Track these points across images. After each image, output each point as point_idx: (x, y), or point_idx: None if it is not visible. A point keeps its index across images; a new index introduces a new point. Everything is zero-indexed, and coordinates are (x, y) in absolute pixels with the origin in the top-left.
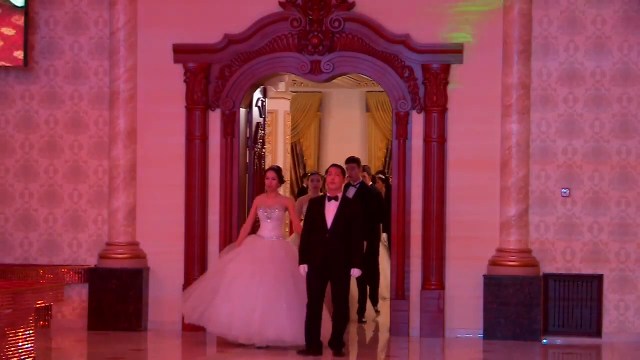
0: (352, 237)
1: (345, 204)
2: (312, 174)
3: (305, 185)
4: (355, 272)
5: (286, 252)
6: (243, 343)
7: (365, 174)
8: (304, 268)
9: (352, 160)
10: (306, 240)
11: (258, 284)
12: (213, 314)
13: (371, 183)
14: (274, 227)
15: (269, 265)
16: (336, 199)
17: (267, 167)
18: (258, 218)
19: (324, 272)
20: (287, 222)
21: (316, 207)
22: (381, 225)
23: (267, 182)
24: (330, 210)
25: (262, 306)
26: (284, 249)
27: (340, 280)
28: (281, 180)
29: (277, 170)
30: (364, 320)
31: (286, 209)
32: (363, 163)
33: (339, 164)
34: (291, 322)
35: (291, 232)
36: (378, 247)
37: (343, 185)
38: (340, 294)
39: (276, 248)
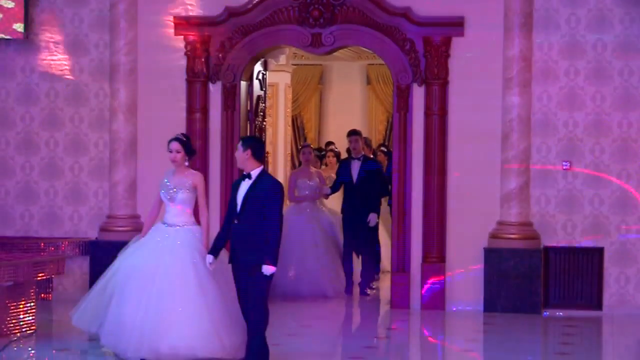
0: (266, 224)
1: (259, 183)
2: (304, 146)
3: None
4: (266, 269)
5: (192, 243)
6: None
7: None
8: (209, 258)
9: (353, 133)
10: (224, 228)
11: (152, 284)
12: (106, 324)
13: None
14: (179, 212)
15: (168, 260)
16: (249, 176)
17: (266, 140)
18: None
19: (239, 266)
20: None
21: (235, 188)
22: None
23: (170, 155)
24: (241, 190)
25: (154, 311)
26: (190, 240)
27: (253, 278)
28: (189, 152)
29: (182, 140)
30: (367, 292)
31: (195, 188)
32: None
33: (250, 136)
34: (193, 329)
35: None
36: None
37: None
38: (253, 295)
39: (181, 237)
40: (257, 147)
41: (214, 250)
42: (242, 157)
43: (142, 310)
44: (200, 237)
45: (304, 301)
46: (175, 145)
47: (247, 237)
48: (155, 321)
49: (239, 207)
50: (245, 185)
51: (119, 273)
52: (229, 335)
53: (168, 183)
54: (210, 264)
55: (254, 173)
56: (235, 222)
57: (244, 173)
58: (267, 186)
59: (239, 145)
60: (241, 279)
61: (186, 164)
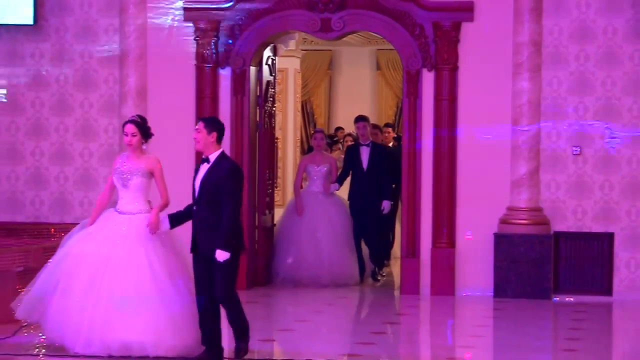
0: (222, 208)
1: (217, 166)
2: (315, 132)
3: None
4: (219, 255)
5: (146, 234)
6: (79, 353)
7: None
8: (165, 223)
9: (361, 119)
10: (188, 207)
11: (103, 275)
12: (49, 314)
13: (391, 143)
14: (134, 198)
15: (120, 251)
16: (207, 160)
17: (275, 126)
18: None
19: (198, 253)
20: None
21: (195, 172)
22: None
23: (125, 139)
24: (200, 175)
25: (105, 304)
26: (144, 229)
27: (214, 269)
28: (145, 135)
29: (137, 122)
30: (377, 278)
31: (151, 174)
32: (373, 121)
33: (203, 117)
34: (145, 325)
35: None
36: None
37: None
38: (219, 285)
39: (134, 226)
40: (222, 130)
41: (173, 218)
42: (206, 140)
43: (92, 301)
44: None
45: (316, 287)
46: (131, 128)
47: (205, 222)
48: (107, 314)
49: (197, 192)
50: (203, 170)
51: (67, 260)
52: (183, 332)
53: (121, 168)
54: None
55: (213, 157)
56: (195, 208)
57: (203, 157)
58: (224, 170)
59: (202, 127)
60: (199, 269)
61: (143, 147)
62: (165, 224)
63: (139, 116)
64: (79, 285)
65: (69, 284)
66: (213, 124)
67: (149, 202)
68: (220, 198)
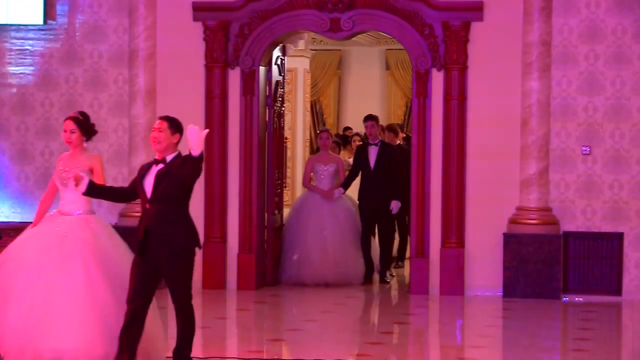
0: (174, 208)
1: (174, 163)
2: (321, 131)
3: None
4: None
5: (85, 236)
6: None
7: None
8: (84, 182)
9: (370, 118)
10: (119, 187)
11: (38, 280)
12: None
13: (398, 142)
14: (75, 199)
15: (56, 254)
16: (164, 161)
17: (284, 126)
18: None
19: (146, 257)
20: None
21: (142, 171)
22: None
23: (63, 136)
24: (151, 174)
25: (38, 310)
26: (84, 230)
27: (171, 271)
28: (86, 132)
29: (77, 119)
30: (387, 280)
31: (92, 172)
32: (383, 122)
33: (166, 115)
34: (78, 332)
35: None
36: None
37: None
38: (178, 291)
39: (74, 228)
40: (182, 133)
41: (93, 185)
42: (169, 140)
43: (25, 308)
44: (97, 226)
45: (324, 287)
46: (69, 125)
47: (162, 221)
48: (39, 321)
49: (149, 192)
50: (156, 169)
51: (6, 265)
52: (117, 340)
53: (61, 167)
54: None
55: (169, 158)
56: (148, 206)
57: (157, 158)
58: (181, 163)
59: (166, 127)
60: (141, 272)
61: (84, 145)
62: (83, 186)
63: (80, 112)
64: (15, 291)
65: (7, 290)
66: (177, 125)
67: (91, 202)
68: (182, 193)
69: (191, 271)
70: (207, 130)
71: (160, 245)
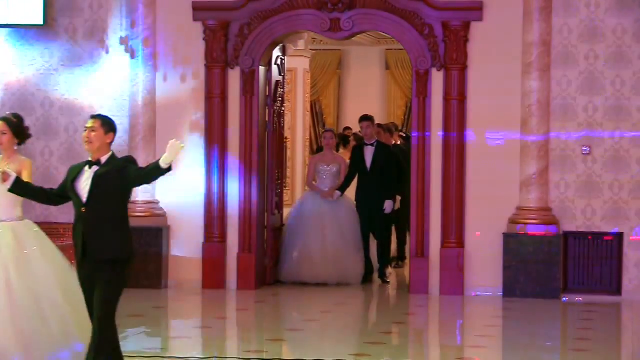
0: (111, 212)
1: (110, 164)
2: (325, 131)
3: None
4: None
5: (10, 243)
6: None
7: (383, 132)
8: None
9: (365, 118)
10: (45, 190)
11: None
12: None
13: (394, 142)
14: (4, 204)
15: None
16: (98, 163)
17: (284, 126)
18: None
19: (84, 263)
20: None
21: (72, 173)
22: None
23: None
24: (86, 175)
25: None
26: (7, 239)
27: (102, 280)
28: (18, 135)
29: (9, 120)
30: (386, 280)
31: (21, 175)
32: (383, 121)
33: (97, 113)
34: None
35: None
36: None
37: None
38: (101, 303)
39: (2, 236)
40: (116, 133)
41: (20, 182)
42: (103, 140)
43: None
44: (25, 233)
45: (324, 287)
46: (1, 126)
47: (101, 223)
48: None
49: (85, 196)
50: (91, 171)
51: None
52: (35, 352)
53: None
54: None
55: (104, 159)
56: (83, 210)
57: (91, 159)
58: (124, 162)
59: (99, 125)
60: (88, 278)
61: (15, 148)
62: (10, 182)
63: (14, 114)
64: None
65: None
66: (111, 124)
67: (19, 208)
68: (121, 192)
69: (121, 284)
70: (184, 146)
71: (94, 252)
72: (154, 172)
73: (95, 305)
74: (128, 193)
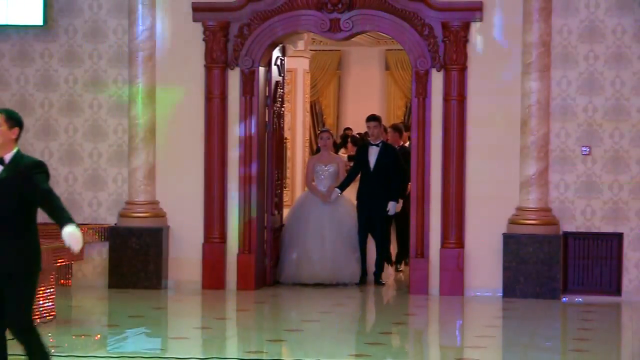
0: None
1: (16, 166)
2: (322, 131)
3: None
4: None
5: None
6: None
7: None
8: None
9: (372, 118)
10: None
11: None
12: None
13: (402, 143)
14: None
15: None
16: (1, 162)
17: (284, 126)
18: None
19: None
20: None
21: None
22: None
23: None
24: None
25: None
26: None
27: (12, 289)
28: None
29: None
30: (382, 282)
31: None
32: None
33: (3, 108)
34: None
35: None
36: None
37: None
38: (17, 312)
39: None
40: (23, 127)
41: None
42: (7, 136)
43: None
44: None
45: (323, 288)
46: None
47: (3, 233)
48: None
49: None
50: None
51: None
52: None
53: None
54: None
55: (8, 157)
56: None
57: None
58: (29, 167)
59: (3, 120)
60: None
61: None
62: None
63: None
64: None
65: None
66: (15, 118)
67: None
68: (26, 199)
69: (30, 295)
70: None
71: (4, 261)
72: (55, 218)
73: (10, 321)
74: (33, 206)
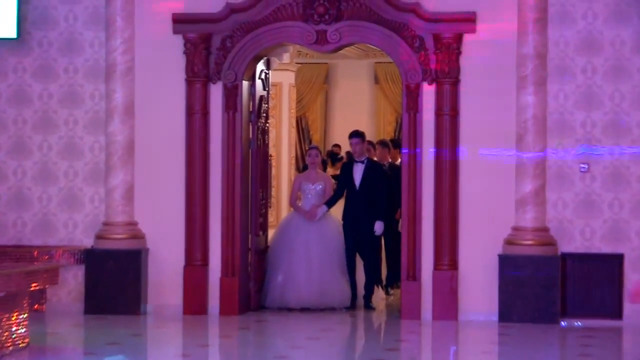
0: None
1: None
2: (310, 149)
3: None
4: None
5: None
6: None
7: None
8: None
9: (355, 135)
10: None
11: None
12: None
13: (390, 160)
14: None
15: None
16: None
17: (269, 143)
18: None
19: None
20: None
21: None
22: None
23: None
24: None
25: None
26: None
27: None
28: None
29: None
30: (371, 305)
31: None
32: (372, 138)
33: None
34: None
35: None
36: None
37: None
38: None
39: None
40: None
41: None
42: None
43: None
44: None
45: (309, 312)
46: None
47: None
48: None
49: None
50: None
51: None
52: None
53: None
54: None
55: None
56: None
57: None
58: None
59: None
60: None
61: None
62: None
63: None
64: None
65: None
66: None
67: None
68: None
69: None
70: None
71: None
72: None
73: None
74: None
